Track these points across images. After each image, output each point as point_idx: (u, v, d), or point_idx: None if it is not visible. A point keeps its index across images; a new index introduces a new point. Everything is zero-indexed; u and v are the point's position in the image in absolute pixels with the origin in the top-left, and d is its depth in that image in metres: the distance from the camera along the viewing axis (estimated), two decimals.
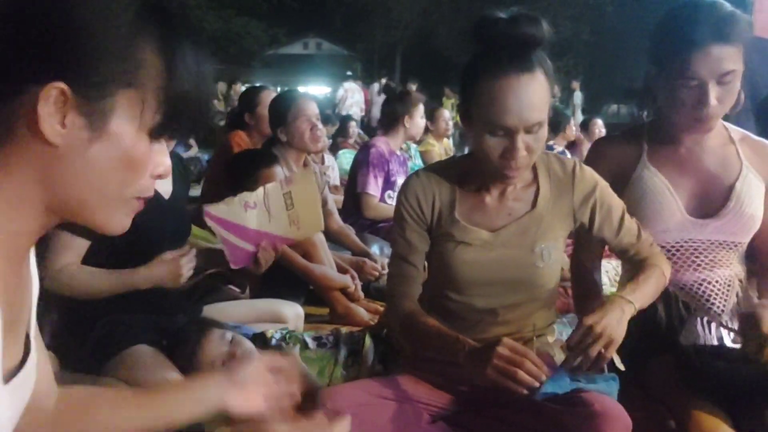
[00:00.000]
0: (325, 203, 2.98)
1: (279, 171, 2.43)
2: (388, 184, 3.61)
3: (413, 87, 11.77)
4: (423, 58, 24.38)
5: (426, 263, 1.50)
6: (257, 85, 5.09)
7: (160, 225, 1.72)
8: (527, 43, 1.31)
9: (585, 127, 6.18)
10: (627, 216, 1.48)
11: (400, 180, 3.59)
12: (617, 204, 1.47)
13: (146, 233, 1.70)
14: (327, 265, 2.48)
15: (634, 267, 1.48)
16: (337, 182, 4.89)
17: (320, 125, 2.76)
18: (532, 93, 1.28)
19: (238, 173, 2.43)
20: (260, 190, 1.81)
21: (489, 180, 1.42)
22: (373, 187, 3.48)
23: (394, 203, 3.51)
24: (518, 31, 1.29)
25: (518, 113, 1.27)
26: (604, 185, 1.47)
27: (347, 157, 5.65)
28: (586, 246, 1.67)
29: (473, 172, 1.44)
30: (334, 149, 6.42)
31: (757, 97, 2.07)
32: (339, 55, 34.14)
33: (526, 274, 1.42)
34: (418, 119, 3.67)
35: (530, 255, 1.41)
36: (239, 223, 1.79)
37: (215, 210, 1.79)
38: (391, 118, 3.67)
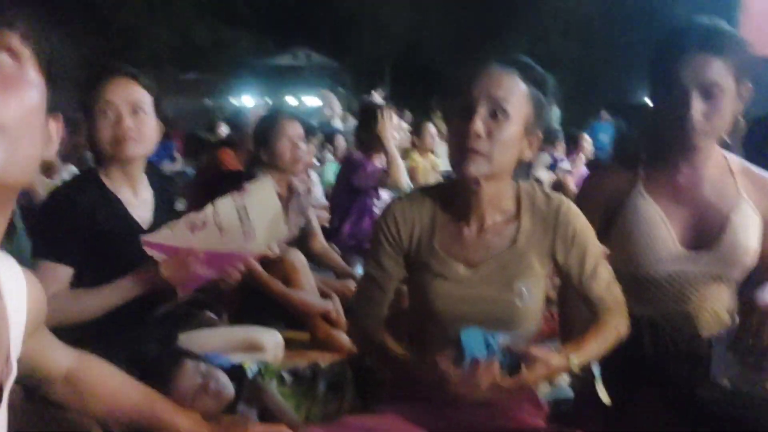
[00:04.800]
0: (308, 225, 2.93)
1: None
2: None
3: (379, 94, 11.77)
4: (412, 71, 24.42)
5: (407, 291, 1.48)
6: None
7: (140, 257, 1.65)
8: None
9: (574, 142, 6.18)
10: (602, 264, 1.43)
11: (382, 193, 3.59)
12: (594, 250, 1.42)
13: (125, 266, 1.64)
14: (308, 288, 2.41)
15: (592, 315, 1.44)
16: (323, 200, 4.81)
17: (303, 146, 2.71)
18: (505, 81, 1.29)
19: (216, 196, 2.35)
20: (209, 207, 1.70)
21: (469, 202, 1.37)
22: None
23: None
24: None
25: (486, 83, 1.28)
26: (586, 228, 1.42)
27: (333, 169, 5.59)
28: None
29: (454, 197, 1.40)
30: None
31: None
32: (329, 67, 34.14)
33: (504, 313, 1.37)
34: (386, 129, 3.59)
35: (509, 293, 1.36)
36: (185, 247, 1.66)
37: (156, 238, 1.67)
38: (363, 134, 3.65)
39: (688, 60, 1.40)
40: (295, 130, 2.70)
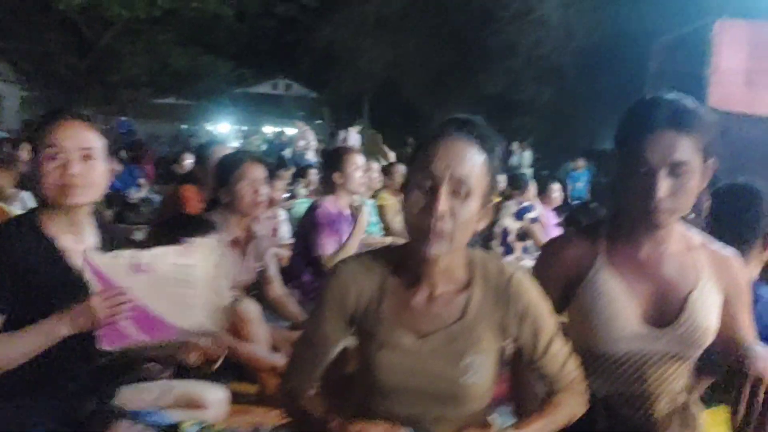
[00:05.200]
0: (265, 270, 2.84)
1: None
2: (337, 244, 3.49)
3: (356, 129, 11.78)
4: (390, 108, 24.65)
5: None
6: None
7: (76, 299, 1.56)
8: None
9: (543, 190, 6.19)
10: (557, 340, 1.38)
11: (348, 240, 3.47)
12: (549, 325, 1.37)
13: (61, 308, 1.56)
14: (258, 341, 2.31)
15: (546, 391, 1.39)
16: (288, 239, 4.72)
17: (264, 189, 2.64)
18: (467, 155, 1.25)
19: (167, 241, 2.26)
20: (157, 251, 1.59)
21: (420, 270, 1.32)
22: (329, 247, 3.36)
23: None
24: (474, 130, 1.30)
25: (447, 162, 1.23)
26: (540, 301, 1.37)
27: (305, 206, 5.50)
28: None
29: (406, 263, 1.34)
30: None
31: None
32: (308, 98, 34.32)
33: (451, 389, 1.31)
34: (351, 172, 3.51)
35: (456, 369, 1.30)
36: (120, 286, 1.53)
37: (99, 259, 1.54)
38: (325, 179, 3.59)
39: (656, 138, 1.37)
40: (256, 173, 2.63)
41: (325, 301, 1.37)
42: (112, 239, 1.85)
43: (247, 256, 2.73)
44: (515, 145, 13.25)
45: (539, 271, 1.55)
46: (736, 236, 1.99)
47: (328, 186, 3.58)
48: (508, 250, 4.64)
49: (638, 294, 1.49)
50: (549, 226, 5.77)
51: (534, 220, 4.77)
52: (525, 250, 4.78)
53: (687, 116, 1.38)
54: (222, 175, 2.66)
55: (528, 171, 12.97)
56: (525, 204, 4.77)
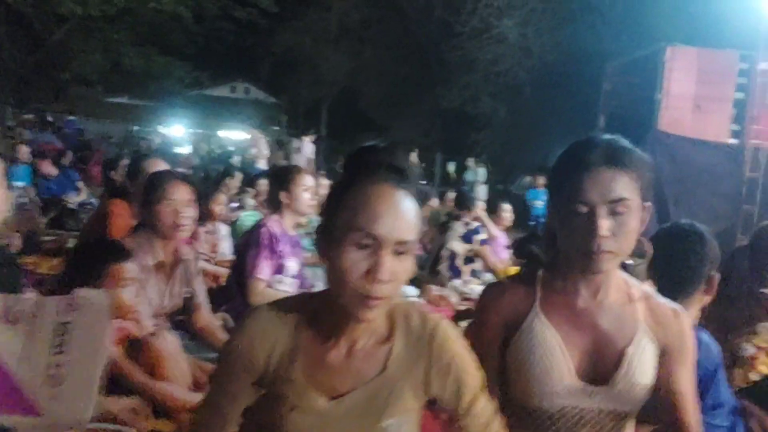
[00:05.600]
0: (193, 296, 2.67)
1: (131, 268, 2.11)
2: (277, 267, 3.32)
3: (310, 138, 11.60)
4: (348, 117, 24.58)
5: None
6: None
7: None
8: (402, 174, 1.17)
9: (494, 211, 6.15)
10: (482, 398, 1.27)
11: (290, 263, 3.31)
12: (473, 381, 1.26)
13: None
14: (176, 377, 2.13)
15: None
16: (229, 255, 4.51)
17: (188, 213, 2.47)
18: (407, 208, 1.12)
19: (80, 266, 2.08)
20: (33, 300, 1.37)
21: (340, 324, 1.19)
22: (264, 270, 3.18)
23: (283, 289, 3.30)
24: (395, 160, 1.17)
25: (392, 223, 1.10)
26: (465, 355, 1.26)
27: (251, 220, 5.30)
28: None
29: (324, 314, 1.21)
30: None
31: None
32: (266, 103, 33.99)
33: None
34: (299, 192, 3.29)
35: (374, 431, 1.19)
36: None
37: None
38: (271, 197, 3.41)
39: (594, 175, 1.32)
40: (179, 194, 2.45)
41: (230, 359, 1.23)
42: (13, 274, 1.66)
43: (172, 280, 2.56)
44: (471, 161, 13.30)
45: (477, 322, 1.48)
46: (679, 282, 1.94)
47: (273, 205, 3.40)
48: (456, 273, 4.52)
49: (574, 347, 1.41)
50: (500, 247, 5.72)
51: (483, 242, 4.68)
52: (474, 273, 4.68)
53: (624, 154, 1.34)
54: (146, 195, 2.48)
55: (483, 187, 13.06)
56: (473, 225, 4.66)
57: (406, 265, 1.13)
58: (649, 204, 1.38)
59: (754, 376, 2.40)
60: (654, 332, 1.43)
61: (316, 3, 22.70)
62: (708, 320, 2.35)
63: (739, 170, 9.22)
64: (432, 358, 1.23)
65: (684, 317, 1.48)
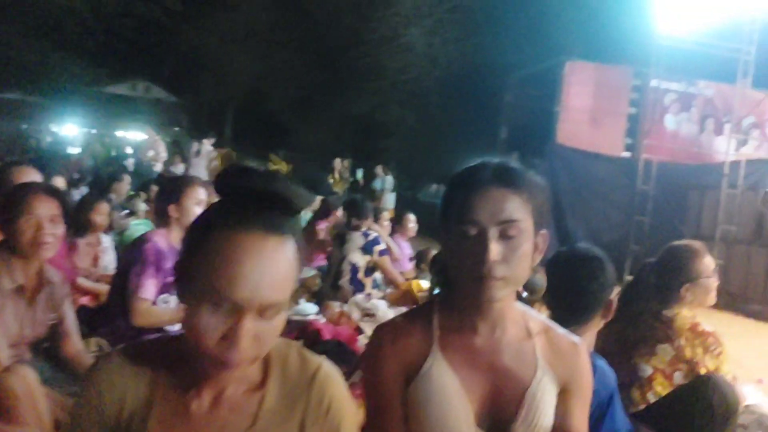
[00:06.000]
0: (60, 323, 2.39)
1: None
2: (164, 286, 3.06)
3: (209, 141, 11.18)
4: (254, 120, 24.08)
5: None
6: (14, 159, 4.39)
7: None
8: (284, 206, 1.00)
9: (399, 221, 6.10)
10: None
11: None
12: (350, 429, 1.13)
13: None
14: (29, 421, 1.86)
15: None
16: (111, 269, 4.16)
17: (51, 229, 2.20)
18: (278, 263, 0.95)
19: None
20: None
21: (206, 369, 1.01)
22: (148, 290, 2.91)
23: (169, 307, 3.06)
24: (278, 188, 0.98)
25: (255, 285, 0.92)
26: (345, 401, 1.13)
27: (141, 230, 4.94)
28: None
29: (184, 359, 1.04)
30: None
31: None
32: (167, 102, 32.75)
33: None
34: (190, 206, 3.04)
35: None
36: None
37: None
38: (159, 210, 3.14)
39: (484, 195, 1.24)
40: (45, 209, 2.18)
41: (80, 413, 1.05)
42: None
43: (35, 306, 2.28)
44: (379, 169, 13.27)
45: (373, 371, 1.35)
46: (578, 309, 1.89)
47: (161, 218, 3.13)
48: (359, 287, 4.38)
49: (473, 392, 1.31)
50: (403, 257, 5.65)
51: (383, 253, 4.56)
52: (375, 285, 4.56)
53: (515, 175, 1.27)
54: (4, 209, 2.20)
55: (391, 195, 13.05)
56: (372, 236, 4.52)
57: (275, 324, 0.98)
58: (544, 232, 1.29)
59: (651, 397, 2.41)
60: (553, 368, 1.35)
61: (222, 3, 22.11)
62: (606, 339, 2.34)
63: (631, 182, 9.65)
64: (309, 402, 1.08)
65: (582, 351, 1.42)
